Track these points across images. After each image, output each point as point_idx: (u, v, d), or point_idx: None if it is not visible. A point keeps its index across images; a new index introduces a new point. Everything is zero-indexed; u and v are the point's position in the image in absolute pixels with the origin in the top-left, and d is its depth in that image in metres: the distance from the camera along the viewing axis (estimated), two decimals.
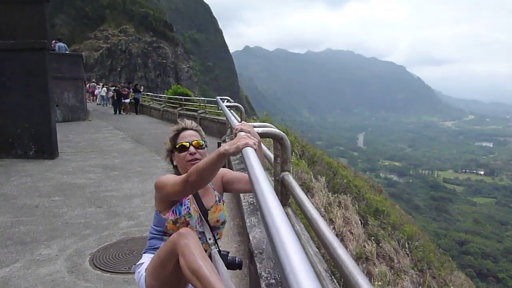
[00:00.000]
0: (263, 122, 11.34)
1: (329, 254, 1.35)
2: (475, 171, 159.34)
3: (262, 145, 3.92)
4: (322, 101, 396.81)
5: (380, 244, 6.80)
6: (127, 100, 26.60)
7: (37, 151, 9.84)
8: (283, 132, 7.51)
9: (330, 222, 6.84)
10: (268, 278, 2.12)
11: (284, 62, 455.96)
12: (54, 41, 21.98)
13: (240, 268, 2.29)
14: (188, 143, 2.26)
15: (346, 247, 6.37)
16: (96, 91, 35.00)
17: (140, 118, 24.31)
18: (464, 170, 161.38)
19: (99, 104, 32.42)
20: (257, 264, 2.18)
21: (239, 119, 6.26)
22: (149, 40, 64.31)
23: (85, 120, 20.80)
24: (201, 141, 2.31)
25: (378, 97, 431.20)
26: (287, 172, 2.27)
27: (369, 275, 5.99)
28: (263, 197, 0.99)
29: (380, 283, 4.99)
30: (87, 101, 29.04)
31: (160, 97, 25.28)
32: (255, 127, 2.28)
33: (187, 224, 2.17)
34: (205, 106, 17.58)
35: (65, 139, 13.62)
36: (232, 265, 2.23)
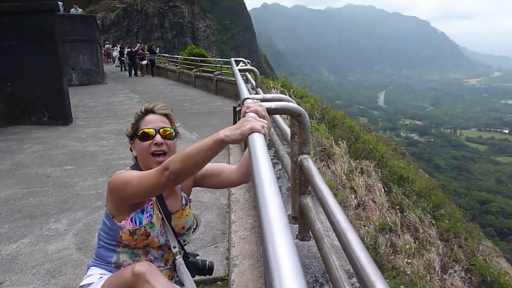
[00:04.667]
0: (282, 84, 10.88)
1: (354, 269, 1.03)
2: (499, 130, 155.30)
3: (279, 118, 3.50)
4: (342, 59, 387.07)
5: (405, 214, 6.49)
6: (144, 62, 26.22)
7: (50, 117, 9.69)
8: (303, 95, 7.07)
9: (352, 190, 6.52)
10: None
11: (303, 19, 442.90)
12: (75, 3, 21.66)
13: (211, 274, 1.98)
14: (153, 131, 1.81)
15: (369, 217, 6.08)
16: (115, 53, 34.70)
17: (156, 80, 23.96)
18: (488, 129, 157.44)
19: (118, 66, 32.19)
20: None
21: (254, 83, 5.86)
22: None
23: (101, 83, 20.61)
24: (170, 130, 1.86)
25: (400, 55, 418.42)
26: (306, 156, 1.90)
27: (393, 247, 5.72)
28: (265, 206, 0.79)
29: (408, 260, 4.70)
30: (104, 63, 28.79)
31: (176, 58, 24.73)
32: (267, 100, 1.90)
33: (147, 235, 1.77)
34: (222, 67, 17.04)
35: (80, 103, 13.47)
36: (202, 271, 1.95)
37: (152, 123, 1.84)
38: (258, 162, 1.03)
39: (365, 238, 5.01)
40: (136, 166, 1.89)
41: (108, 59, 35.36)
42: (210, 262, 1.99)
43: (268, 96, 2.06)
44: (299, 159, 1.94)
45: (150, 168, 1.71)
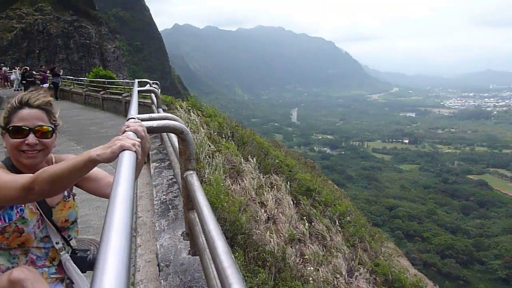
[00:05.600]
0: (191, 104, 10.90)
1: (218, 272, 1.08)
2: (400, 140, 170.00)
3: (174, 137, 3.49)
4: (255, 78, 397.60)
5: (313, 223, 6.76)
6: (46, 85, 24.64)
7: None
8: (211, 114, 7.13)
9: (262, 205, 6.67)
10: None
11: (216, 40, 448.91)
12: None
13: None
14: (27, 128, 1.63)
15: (278, 230, 6.26)
16: (12, 76, 32.23)
17: (61, 104, 22.62)
18: (390, 140, 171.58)
19: (17, 89, 29.89)
20: (161, 281, 1.85)
21: (156, 103, 5.82)
22: (69, 19, 59.97)
23: None
24: (48, 128, 1.69)
25: (309, 73, 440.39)
26: (191, 171, 1.94)
27: (302, 256, 5.92)
28: (110, 225, 0.77)
29: (312, 268, 4.90)
30: (0, 87, 26.65)
31: (81, 80, 23.62)
32: (153, 119, 1.91)
33: (20, 232, 1.62)
34: (131, 89, 16.62)
35: None
36: (93, 265, 1.84)
37: (26, 120, 1.65)
38: (119, 178, 1.04)
39: (275, 250, 5.14)
40: (8, 160, 1.73)
41: (6, 83, 32.77)
42: None
43: (154, 115, 2.07)
44: (185, 175, 1.97)
45: (21, 163, 1.62)
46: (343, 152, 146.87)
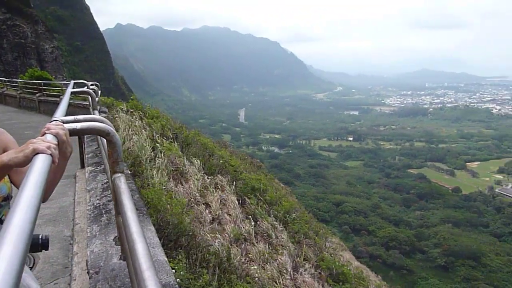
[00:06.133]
0: (132, 106, 10.61)
1: (136, 276, 1.05)
2: (345, 138, 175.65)
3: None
4: (202, 79, 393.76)
5: (258, 222, 6.81)
6: None
7: None
8: (154, 115, 6.97)
9: (207, 206, 6.63)
10: None
11: (160, 40, 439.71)
12: None
13: (47, 249, 1.75)
14: None
15: (224, 230, 6.25)
16: None
17: None
18: (336, 138, 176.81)
19: None
20: None
21: (91, 104, 5.60)
22: (1, 17, 56.37)
23: None
24: None
25: (255, 73, 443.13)
26: (119, 174, 1.88)
27: (248, 255, 5.95)
28: (5, 233, 0.73)
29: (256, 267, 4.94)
30: None
31: (15, 82, 22.28)
32: (78, 121, 1.83)
33: None
34: None
35: None
36: (34, 246, 1.72)
37: None
38: (26, 183, 0.99)
39: (220, 251, 5.12)
40: None
41: None
42: (45, 235, 1.74)
43: (80, 117, 1.99)
44: (113, 178, 1.91)
45: None
46: (290, 151, 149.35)
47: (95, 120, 1.97)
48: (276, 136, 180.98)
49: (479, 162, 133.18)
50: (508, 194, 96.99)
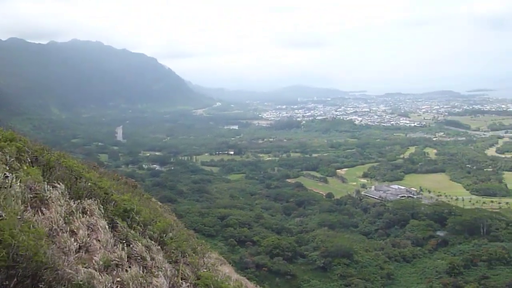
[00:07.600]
0: None
1: None
2: (226, 152, 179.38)
3: None
4: (74, 96, 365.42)
5: (131, 245, 6.48)
6: None
7: None
8: (9, 138, 6.18)
9: (72, 233, 6.10)
10: None
11: (23, 54, 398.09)
12: None
13: None
14: None
15: (91, 258, 5.81)
16: None
17: None
18: (217, 152, 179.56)
19: None
20: None
21: None
22: None
23: None
24: None
25: (133, 89, 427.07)
26: None
27: (120, 283, 5.61)
28: None
29: None
30: None
31: None
32: None
33: None
34: None
35: None
36: None
37: None
38: None
39: (84, 282, 4.74)
40: None
41: None
42: None
43: None
44: None
45: None
46: (172, 168, 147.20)
47: None
48: (157, 153, 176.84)
49: (347, 169, 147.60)
50: (372, 196, 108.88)
